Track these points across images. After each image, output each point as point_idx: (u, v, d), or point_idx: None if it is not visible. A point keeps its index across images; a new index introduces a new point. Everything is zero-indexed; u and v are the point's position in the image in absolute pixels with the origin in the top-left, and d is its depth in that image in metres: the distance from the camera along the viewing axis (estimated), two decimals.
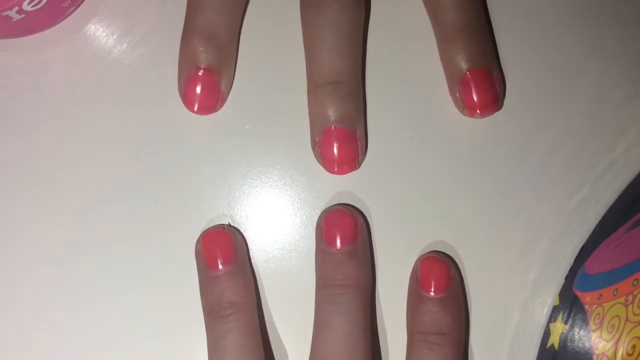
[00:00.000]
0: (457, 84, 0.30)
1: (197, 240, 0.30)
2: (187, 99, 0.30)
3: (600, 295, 0.28)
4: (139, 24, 0.31)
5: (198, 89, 0.30)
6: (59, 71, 0.31)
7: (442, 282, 0.29)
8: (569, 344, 0.29)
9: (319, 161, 0.30)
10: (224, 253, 0.29)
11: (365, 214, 0.31)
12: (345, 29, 0.29)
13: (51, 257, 0.31)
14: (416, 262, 0.30)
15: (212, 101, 0.30)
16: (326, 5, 0.29)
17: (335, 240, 0.29)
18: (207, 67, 0.29)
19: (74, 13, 0.31)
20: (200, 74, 0.29)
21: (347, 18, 0.29)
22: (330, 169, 0.30)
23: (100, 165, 0.31)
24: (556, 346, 0.29)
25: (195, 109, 0.30)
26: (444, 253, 0.31)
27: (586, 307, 0.29)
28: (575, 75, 0.32)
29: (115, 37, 0.31)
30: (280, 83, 0.31)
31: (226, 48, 0.30)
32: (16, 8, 0.28)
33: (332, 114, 0.29)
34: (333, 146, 0.29)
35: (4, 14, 0.28)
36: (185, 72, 0.30)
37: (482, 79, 0.30)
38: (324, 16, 0.29)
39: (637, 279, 0.27)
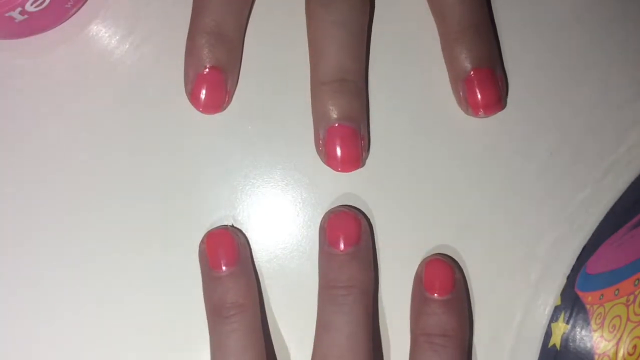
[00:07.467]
0: (461, 83, 0.30)
1: (201, 241, 0.30)
2: (195, 97, 0.30)
3: (602, 295, 0.28)
4: (141, 25, 0.31)
5: (206, 88, 0.30)
6: (62, 71, 0.31)
7: (446, 285, 0.29)
8: (571, 344, 0.29)
9: (322, 159, 0.30)
10: (227, 254, 0.29)
11: (368, 215, 0.31)
12: (353, 28, 0.29)
13: (54, 257, 0.31)
14: (420, 264, 0.30)
15: (220, 100, 0.30)
16: (335, 4, 0.29)
17: (339, 241, 0.29)
18: (215, 66, 0.29)
19: (77, 14, 0.31)
20: (208, 73, 0.29)
21: (355, 17, 0.29)
22: (334, 167, 0.30)
23: (103, 165, 0.31)
24: (558, 346, 0.30)
25: (203, 108, 0.30)
26: (447, 255, 0.31)
27: (587, 307, 0.29)
28: (579, 76, 0.32)
29: (117, 37, 0.32)
30: (281, 83, 0.31)
31: (234, 47, 0.30)
32: (19, 9, 0.28)
33: (338, 111, 0.29)
34: (338, 144, 0.29)
35: (6, 14, 0.28)
36: (193, 71, 0.30)
37: (486, 78, 0.30)
38: (332, 15, 0.29)
39: (638, 279, 0.27)
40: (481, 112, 0.30)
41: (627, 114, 0.32)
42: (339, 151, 0.29)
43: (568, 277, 0.31)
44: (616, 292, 0.28)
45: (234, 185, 0.31)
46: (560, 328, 0.30)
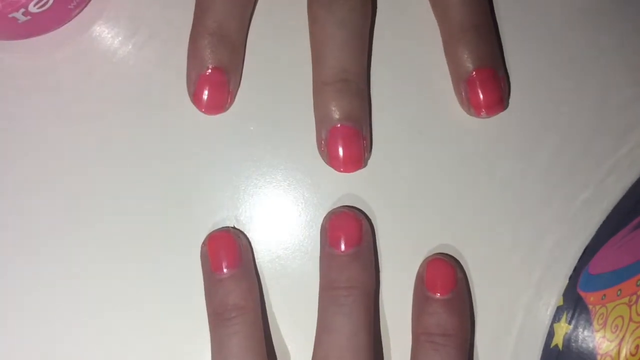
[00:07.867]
0: (463, 84, 0.30)
1: (203, 243, 0.30)
2: (197, 98, 0.30)
3: (604, 295, 0.28)
4: (144, 26, 0.32)
5: (208, 89, 0.30)
6: (65, 72, 0.31)
7: (448, 284, 0.29)
8: (573, 344, 0.29)
9: (324, 159, 0.30)
10: (228, 256, 0.30)
11: (370, 215, 0.31)
12: (354, 29, 0.29)
13: (55, 260, 0.31)
14: (422, 264, 0.30)
15: (222, 101, 0.30)
16: (336, 5, 0.29)
17: (340, 242, 0.29)
18: (218, 67, 0.30)
19: (80, 15, 0.31)
20: (211, 73, 0.30)
21: (357, 17, 0.29)
22: (336, 167, 0.30)
23: (105, 165, 0.31)
24: (560, 346, 0.30)
25: (205, 108, 0.30)
26: (448, 255, 0.31)
27: (590, 307, 0.29)
28: (580, 76, 0.32)
29: (120, 38, 0.32)
30: (283, 84, 0.31)
31: (236, 48, 0.30)
32: (22, 10, 0.28)
33: (340, 112, 0.29)
34: (340, 144, 0.29)
35: (10, 15, 0.28)
36: (196, 72, 0.30)
37: (488, 78, 0.30)
38: (334, 15, 0.29)
39: None
40: (483, 113, 0.30)
41: (628, 115, 0.32)
42: (341, 152, 0.29)
43: (570, 278, 0.31)
44: (619, 292, 0.28)
45: (236, 185, 0.31)
46: (563, 328, 0.30)
